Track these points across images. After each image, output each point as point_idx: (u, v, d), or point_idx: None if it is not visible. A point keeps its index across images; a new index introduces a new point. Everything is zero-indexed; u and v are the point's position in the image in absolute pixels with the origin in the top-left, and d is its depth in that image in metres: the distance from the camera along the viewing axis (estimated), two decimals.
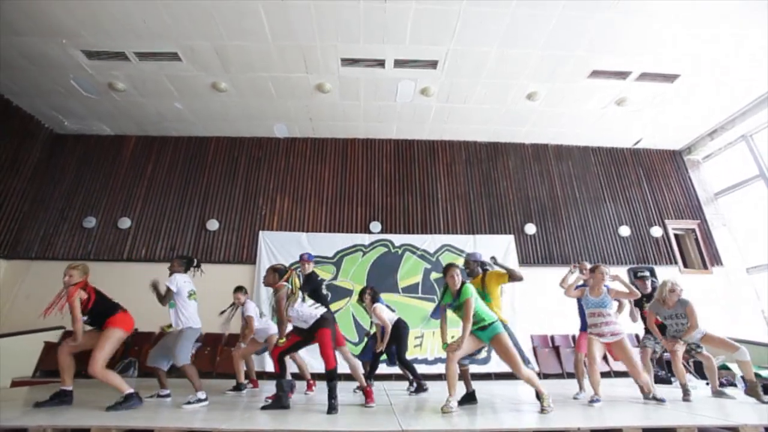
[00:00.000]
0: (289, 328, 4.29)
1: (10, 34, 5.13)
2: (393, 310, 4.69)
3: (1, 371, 4.99)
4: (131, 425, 2.51)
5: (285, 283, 3.38)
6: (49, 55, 5.52)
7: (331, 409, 3.01)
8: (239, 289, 4.65)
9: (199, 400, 3.33)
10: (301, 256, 4.82)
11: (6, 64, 5.66)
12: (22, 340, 5.49)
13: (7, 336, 5.33)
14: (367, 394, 3.48)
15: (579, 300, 4.19)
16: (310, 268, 4.66)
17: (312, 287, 4.37)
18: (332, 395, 3.08)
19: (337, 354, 3.71)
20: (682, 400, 3.64)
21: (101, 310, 3.29)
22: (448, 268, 3.35)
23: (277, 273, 3.43)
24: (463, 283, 3.27)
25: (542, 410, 3.00)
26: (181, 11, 4.81)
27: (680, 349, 3.95)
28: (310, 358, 5.65)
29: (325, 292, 4.22)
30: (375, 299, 4.56)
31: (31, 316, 6.06)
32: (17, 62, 5.64)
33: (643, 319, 4.56)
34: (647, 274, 4.75)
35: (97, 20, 4.93)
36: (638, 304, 4.57)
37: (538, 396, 3.13)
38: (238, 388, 4.32)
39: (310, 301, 3.49)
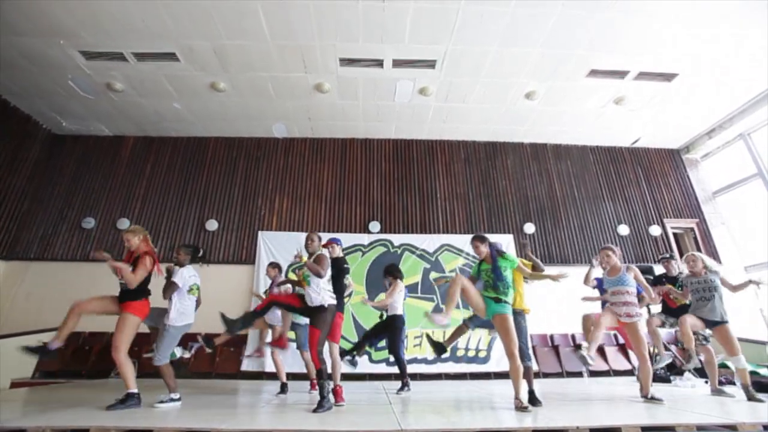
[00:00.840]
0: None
1: (9, 34, 5.11)
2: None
3: (0, 372, 4.98)
4: (130, 425, 2.51)
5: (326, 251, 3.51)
6: (47, 56, 5.51)
7: (319, 407, 3.02)
8: (275, 265, 4.83)
9: (172, 400, 3.33)
10: (329, 240, 4.44)
11: (4, 64, 5.64)
12: (21, 340, 5.47)
13: (6, 337, 5.33)
14: (336, 393, 3.49)
15: (600, 283, 4.37)
16: (336, 251, 4.28)
17: (335, 271, 3.96)
18: (321, 393, 3.11)
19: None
20: (682, 368, 3.66)
21: (140, 288, 3.31)
22: (472, 240, 3.50)
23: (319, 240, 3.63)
24: (498, 255, 3.38)
25: (522, 407, 3.03)
26: (181, 11, 4.80)
27: (691, 320, 3.90)
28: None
29: (346, 282, 4.13)
30: (398, 277, 4.62)
31: (31, 316, 6.07)
32: (16, 62, 5.63)
33: (663, 301, 4.56)
34: (667, 255, 4.78)
35: (96, 20, 4.92)
36: (659, 283, 4.60)
37: (532, 396, 3.24)
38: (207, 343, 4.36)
39: (329, 286, 3.46)
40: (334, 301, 3.43)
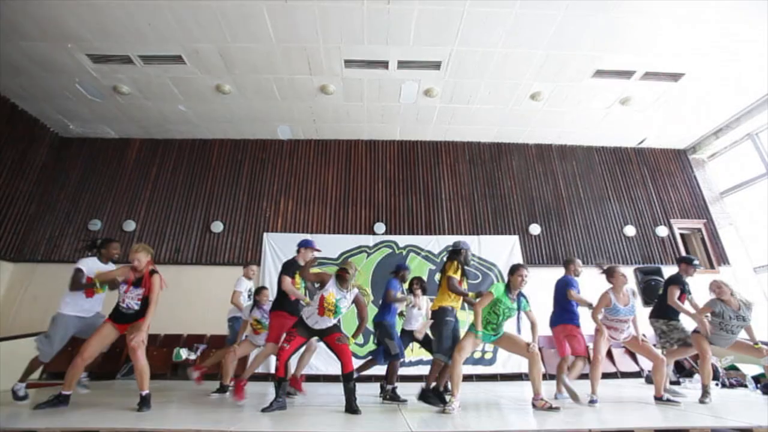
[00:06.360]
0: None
1: (17, 38, 5.16)
2: None
3: (8, 374, 4.99)
4: (138, 427, 2.50)
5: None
6: (55, 60, 5.55)
7: (353, 411, 3.00)
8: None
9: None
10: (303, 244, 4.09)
11: (13, 68, 5.69)
12: (28, 342, 5.48)
13: (13, 338, 5.35)
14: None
15: (566, 286, 4.12)
16: (308, 256, 3.91)
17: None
18: (351, 397, 3.09)
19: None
20: (699, 402, 3.52)
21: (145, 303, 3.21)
22: (519, 268, 3.29)
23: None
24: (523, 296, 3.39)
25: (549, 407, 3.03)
26: (187, 14, 4.83)
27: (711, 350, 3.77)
28: (315, 360, 5.64)
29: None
30: (425, 292, 4.45)
31: (38, 318, 6.09)
32: (24, 66, 5.67)
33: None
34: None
35: (103, 24, 4.96)
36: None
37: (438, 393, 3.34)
38: (223, 389, 4.22)
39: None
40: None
